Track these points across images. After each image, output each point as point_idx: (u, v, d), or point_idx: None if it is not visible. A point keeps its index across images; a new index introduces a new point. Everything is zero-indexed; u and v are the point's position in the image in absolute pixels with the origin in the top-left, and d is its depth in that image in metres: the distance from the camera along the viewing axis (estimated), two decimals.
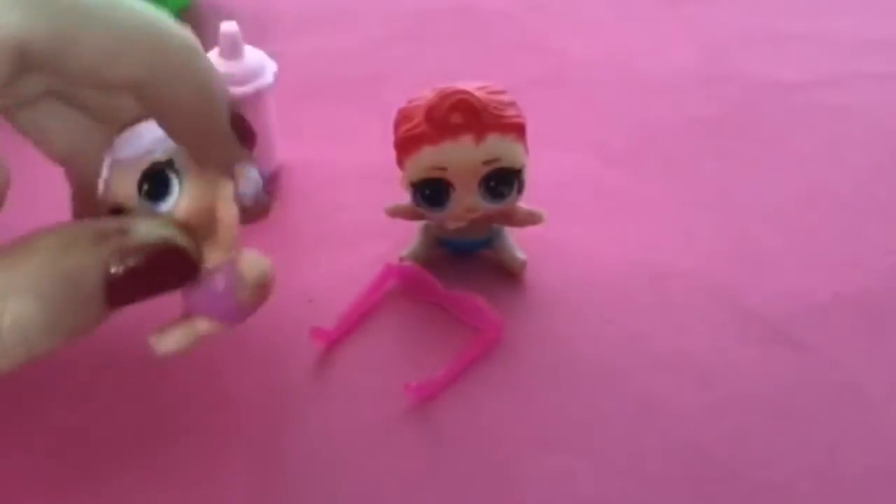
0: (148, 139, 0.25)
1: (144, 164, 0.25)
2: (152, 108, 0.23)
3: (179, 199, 0.25)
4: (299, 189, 0.35)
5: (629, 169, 0.37)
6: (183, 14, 0.47)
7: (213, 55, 0.33)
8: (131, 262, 0.22)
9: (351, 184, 0.35)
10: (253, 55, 0.33)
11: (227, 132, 0.24)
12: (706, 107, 0.40)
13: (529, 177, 0.29)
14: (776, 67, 0.43)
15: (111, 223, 0.22)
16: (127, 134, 0.26)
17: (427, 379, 0.27)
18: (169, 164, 0.25)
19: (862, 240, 0.33)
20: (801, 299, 0.30)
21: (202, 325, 0.26)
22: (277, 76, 0.33)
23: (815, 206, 0.35)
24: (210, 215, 0.25)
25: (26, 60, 0.21)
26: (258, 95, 0.33)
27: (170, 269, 0.23)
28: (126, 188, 0.25)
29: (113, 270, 0.21)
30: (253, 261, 0.25)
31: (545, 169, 0.30)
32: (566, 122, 0.39)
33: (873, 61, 0.43)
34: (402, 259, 0.31)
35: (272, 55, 0.34)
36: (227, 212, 0.25)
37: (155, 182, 0.25)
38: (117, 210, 0.25)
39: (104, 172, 0.25)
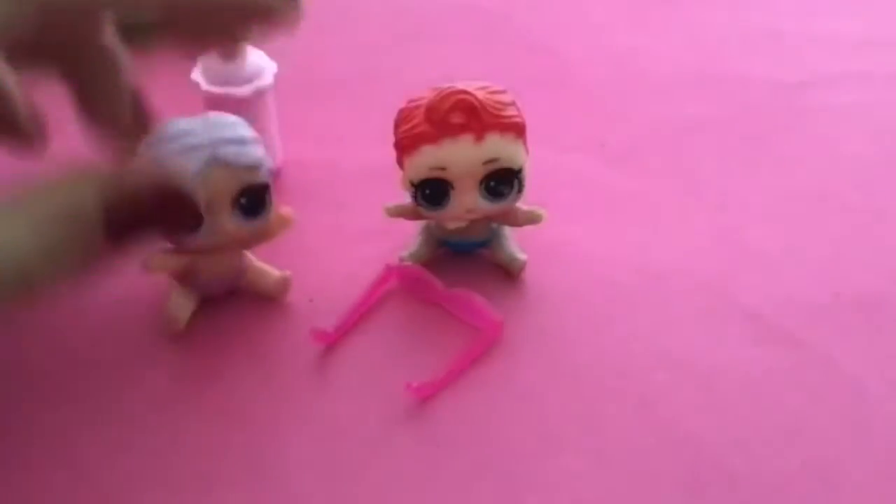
0: (261, 150, 0.27)
1: (247, 179, 0.26)
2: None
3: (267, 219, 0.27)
4: (299, 189, 0.35)
5: (629, 169, 0.37)
6: None
7: (213, 55, 0.33)
8: (130, 193, 0.22)
9: (351, 184, 0.35)
10: (253, 55, 0.33)
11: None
12: (706, 107, 0.40)
13: (530, 177, 0.29)
14: (776, 67, 0.43)
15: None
16: (229, 133, 0.26)
17: (427, 379, 0.27)
18: (268, 187, 0.27)
19: (862, 240, 0.33)
20: (801, 299, 0.30)
21: None
22: (277, 76, 0.33)
23: (815, 206, 0.35)
24: None
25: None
26: (258, 95, 0.33)
27: (169, 205, 0.23)
28: (223, 191, 0.26)
29: (111, 198, 0.22)
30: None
31: (545, 169, 0.30)
32: (566, 122, 0.39)
33: (873, 61, 0.43)
34: (402, 259, 0.31)
35: (272, 55, 0.34)
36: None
37: (254, 200, 0.26)
38: (194, 212, 0.24)
39: (197, 164, 0.25)
